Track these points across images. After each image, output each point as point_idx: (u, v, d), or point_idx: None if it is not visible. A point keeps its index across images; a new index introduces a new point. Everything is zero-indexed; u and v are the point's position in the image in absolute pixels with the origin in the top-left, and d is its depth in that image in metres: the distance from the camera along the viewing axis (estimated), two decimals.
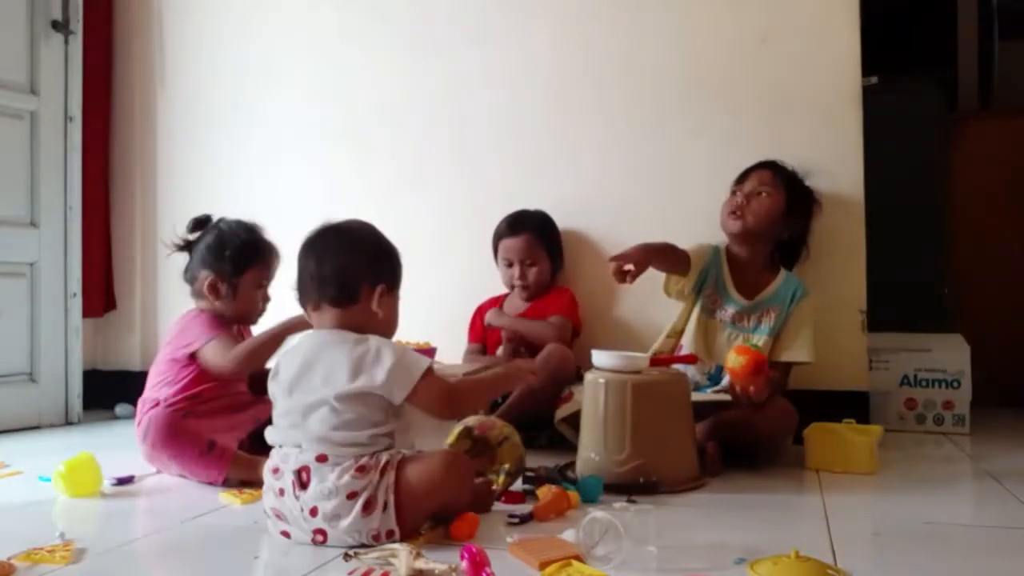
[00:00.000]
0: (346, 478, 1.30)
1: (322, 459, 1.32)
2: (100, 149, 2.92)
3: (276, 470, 1.36)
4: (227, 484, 1.77)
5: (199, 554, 1.40)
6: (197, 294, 2.01)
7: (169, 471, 1.86)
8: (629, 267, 1.95)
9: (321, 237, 1.46)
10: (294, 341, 1.46)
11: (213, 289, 1.96)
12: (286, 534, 1.36)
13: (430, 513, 1.37)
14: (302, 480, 1.32)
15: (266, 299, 2.03)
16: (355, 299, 1.41)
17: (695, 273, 2.17)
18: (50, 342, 2.63)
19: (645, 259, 2.00)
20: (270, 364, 1.52)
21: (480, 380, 1.59)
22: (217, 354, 1.85)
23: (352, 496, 1.30)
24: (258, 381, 1.98)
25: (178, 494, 1.76)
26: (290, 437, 1.37)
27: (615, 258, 1.98)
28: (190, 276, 2.03)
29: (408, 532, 1.33)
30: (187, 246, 2.04)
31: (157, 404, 1.87)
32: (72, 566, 1.25)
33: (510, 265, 2.40)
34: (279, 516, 1.36)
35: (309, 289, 1.43)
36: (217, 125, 2.89)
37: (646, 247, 2.03)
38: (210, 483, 1.79)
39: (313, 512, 1.31)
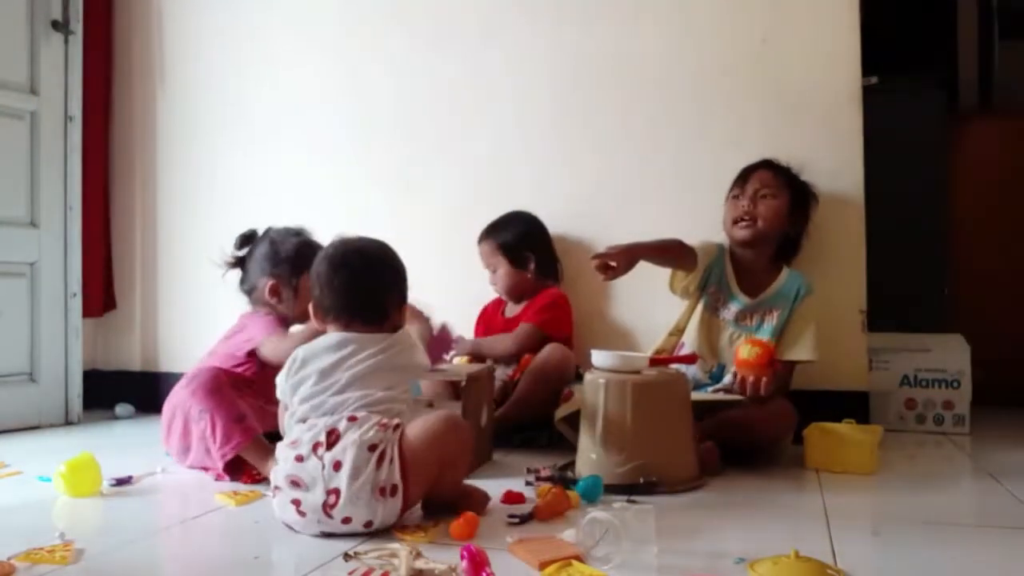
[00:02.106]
0: (371, 432, 1.38)
1: (352, 420, 1.40)
2: (100, 149, 2.92)
3: (295, 442, 1.42)
4: (229, 469, 1.81)
5: (199, 554, 1.40)
6: (257, 301, 2.09)
7: (179, 456, 1.90)
8: (612, 263, 1.95)
9: (350, 259, 1.54)
10: (314, 345, 1.51)
11: (275, 292, 2.06)
12: (297, 503, 1.38)
13: (430, 471, 1.42)
14: (330, 441, 1.39)
15: None
16: (386, 318, 1.54)
17: (701, 270, 2.16)
18: (50, 342, 2.63)
19: (629, 258, 1.99)
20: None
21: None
22: (276, 347, 1.92)
23: (372, 448, 1.37)
24: None
25: (177, 494, 1.76)
26: (326, 405, 1.43)
27: (598, 256, 1.97)
28: (248, 287, 2.11)
29: (410, 492, 1.39)
30: (239, 262, 2.13)
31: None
32: (72, 566, 1.25)
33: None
34: (295, 483, 1.38)
35: (340, 307, 1.52)
36: (217, 125, 2.89)
37: (633, 245, 2.02)
38: (210, 469, 1.84)
39: (336, 466, 1.36)
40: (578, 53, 2.51)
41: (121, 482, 1.78)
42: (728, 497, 1.69)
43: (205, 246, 2.86)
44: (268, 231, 2.12)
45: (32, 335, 2.59)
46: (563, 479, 1.70)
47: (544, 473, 1.74)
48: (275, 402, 2.01)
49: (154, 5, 2.95)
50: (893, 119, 2.79)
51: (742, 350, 1.91)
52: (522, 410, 2.14)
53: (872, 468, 1.88)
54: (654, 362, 1.89)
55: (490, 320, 2.46)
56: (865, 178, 2.28)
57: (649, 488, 1.66)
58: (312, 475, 1.37)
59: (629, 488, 1.65)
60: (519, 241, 2.41)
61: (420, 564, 1.17)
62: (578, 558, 1.22)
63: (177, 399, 1.91)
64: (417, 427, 1.44)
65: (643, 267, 2.41)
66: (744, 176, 2.19)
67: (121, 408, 2.77)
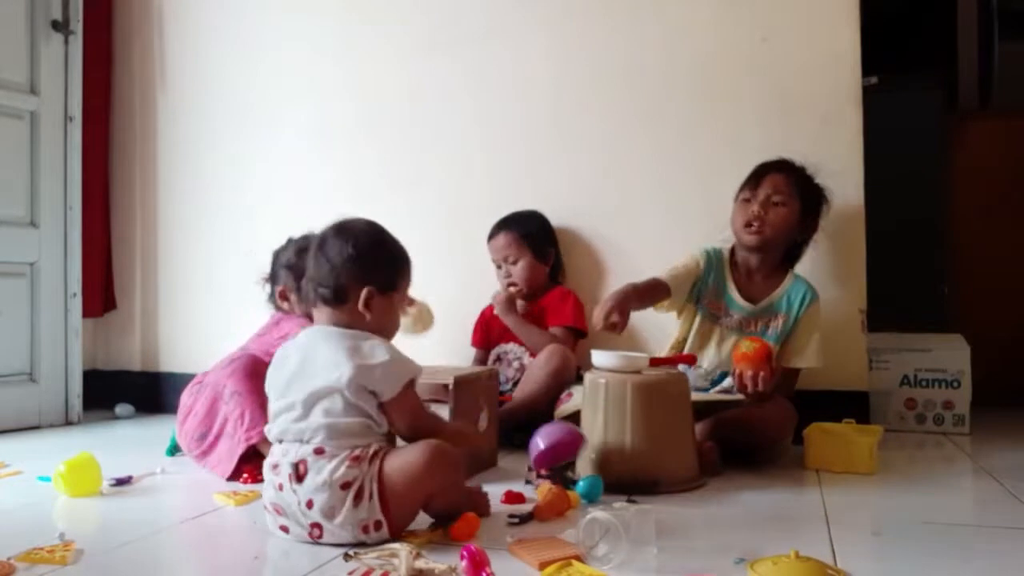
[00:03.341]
0: (341, 470, 1.30)
1: (320, 452, 1.32)
2: (100, 149, 2.92)
3: (275, 466, 1.36)
4: (246, 460, 1.81)
5: (199, 554, 1.40)
6: (278, 308, 2.16)
7: (197, 448, 1.91)
8: (615, 318, 1.87)
9: (322, 235, 1.47)
10: (297, 337, 1.47)
11: (283, 298, 2.13)
12: (285, 529, 1.36)
13: (416, 505, 1.36)
14: (299, 473, 1.32)
15: None
16: (344, 299, 1.42)
17: (682, 293, 2.12)
18: (50, 342, 2.63)
19: (625, 309, 1.91)
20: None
21: (440, 423, 1.54)
22: None
23: (346, 487, 1.30)
24: None
25: (178, 494, 1.76)
26: (292, 431, 1.36)
27: (606, 322, 1.88)
28: (269, 295, 2.19)
29: (396, 525, 1.33)
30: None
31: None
32: (72, 566, 1.25)
33: (499, 267, 2.41)
34: (278, 511, 1.36)
35: (306, 287, 1.46)
36: (217, 124, 2.89)
37: (623, 297, 1.92)
38: (215, 465, 1.85)
39: (309, 504, 1.31)
40: (577, 52, 2.51)
41: (121, 482, 1.78)
42: (728, 497, 1.68)
43: (205, 246, 2.88)
44: (289, 242, 2.17)
45: (32, 335, 2.59)
46: (563, 479, 1.70)
47: (544, 473, 1.74)
48: None
49: (154, 5, 2.95)
50: (893, 119, 2.80)
51: (741, 345, 1.91)
52: (523, 412, 2.13)
53: (872, 468, 1.87)
54: (655, 362, 1.89)
55: (489, 322, 2.45)
56: (865, 178, 2.28)
57: (649, 488, 1.66)
58: (291, 508, 1.33)
59: (629, 488, 1.65)
60: (543, 233, 2.41)
61: (420, 564, 1.17)
62: (578, 558, 1.22)
63: (210, 379, 1.95)
64: (396, 463, 1.32)
65: (639, 267, 2.42)
66: (757, 178, 2.12)
67: (121, 408, 2.77)
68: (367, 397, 1.36)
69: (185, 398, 2.01)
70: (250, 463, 1.82)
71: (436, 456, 1.34)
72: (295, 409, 1.37)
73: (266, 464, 1.39)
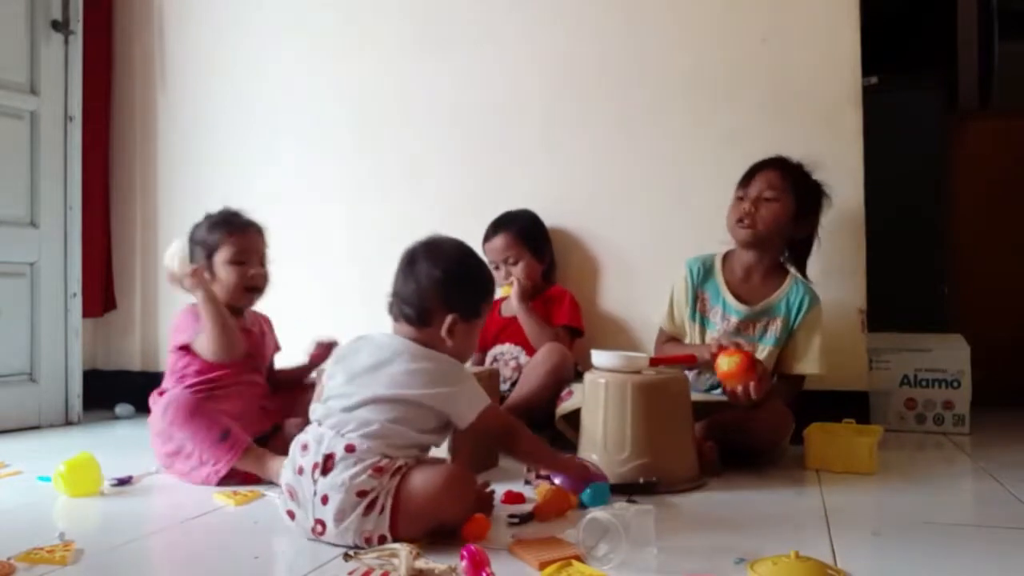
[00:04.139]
0: (362, 477, 1.30)
1: (350, 449, 1.32)
2: (100, 149, 2.92)
3: (305, 446, 1.36)
4: (224, 481, 1.76)
5: (199, 554, 1.40)
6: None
7: (170, 465, 1.85)
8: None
9: (412, 252, 1.47)
10: (372, 335, 1.46)
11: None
12: (291, 515, 1.36)
13: (425, 526, 1.33)
14: (326, 466, 1.32)
15: (255, 276, 1.99)
16: (427, 323, 1.44)
17: (685, 320, 2.15)
18: (50, 342, 2.63)
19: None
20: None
21: (543, 446, 1.62)
22: (201, 346, 1.89)
23: (361, 495, 1.29)
24: (272, 374, 2.10)
25: (178, 494, 1.76)
26: (334, 419, 1.36)
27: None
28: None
29: (401, 540, 1.30)
30: None
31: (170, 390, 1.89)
32: (72, 566, 1.25)
33: (496, 268, 2.39)
34: (291, 494, 1.35)
35: (392, 302, 1.47)
36: (217, 125, 2.89)
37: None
38: (205, 481, 1.78)
39: (324, 500, 1.31)
40: (577, 51, 2.51)
41: (121, 482, 1.78)
42: (728, 497, 1.69)
43: None
44: (205, 218, 2.04)
45: (32, 335, 2.59)
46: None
47: (544, 473, 1.73)
48: (254, 382, 1.95)
49: (154, 5, 2.95)
50: (893, 119, 2.80)
51: (721, 363, 1.86)
52: (521, 410, 2.13)
53: (872, 468, 1.87)
54: (655, 362, 1.89)
55: (486, 323, 2.43)
56: (865, 178, 2.28)
57: (649, 488, 1.66)
58: (305, 496, 1.33)
59: (629, 488, 1.65)
60: (538, 232, 2.41)
61: (420, 564, 1.17)
62: (578, 558, 1.23)
63: (157, 429, 1.84)
64: (417, 482, 1.31)
65: (633, 267, 2.42)
66: (750, 175, 2.10)
67: (121, 408, 2.77)
68: (429, 418, 1.39)
69: (151, 431, 1.90)
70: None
71: (454, 481, 1.34)
72: (350, 399, 1.37)
73: (296, 441, 1.39)
